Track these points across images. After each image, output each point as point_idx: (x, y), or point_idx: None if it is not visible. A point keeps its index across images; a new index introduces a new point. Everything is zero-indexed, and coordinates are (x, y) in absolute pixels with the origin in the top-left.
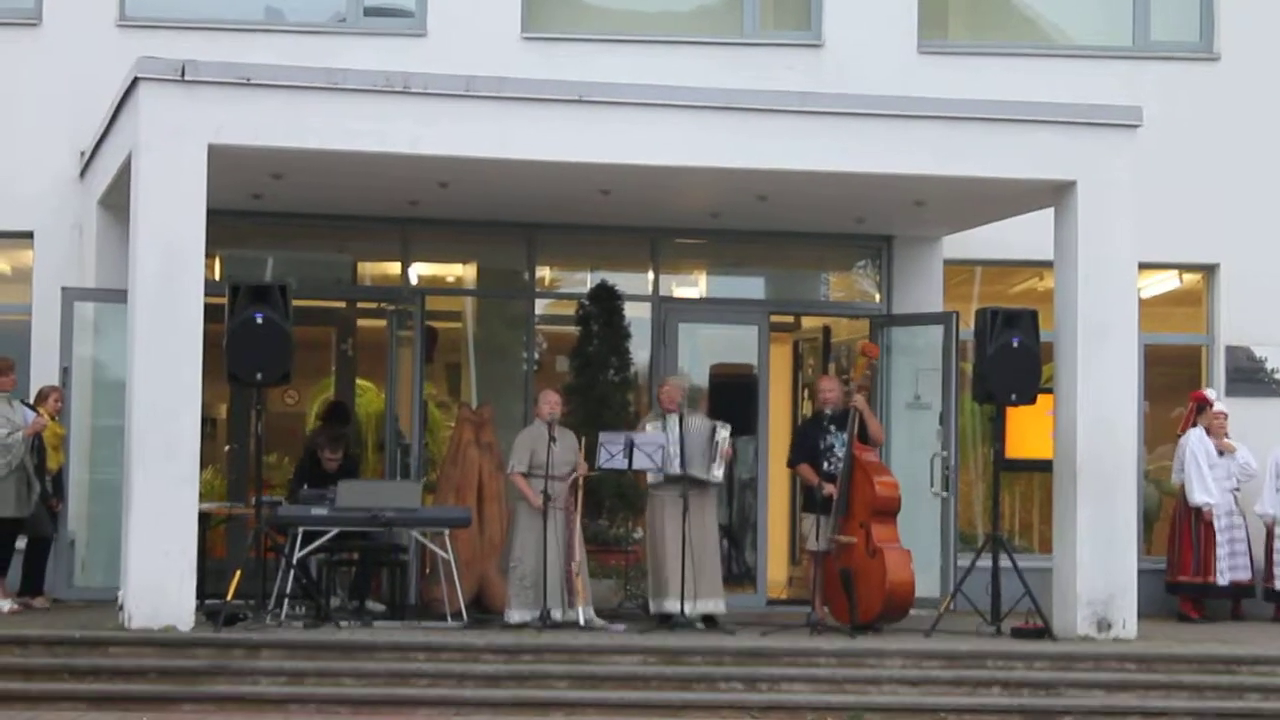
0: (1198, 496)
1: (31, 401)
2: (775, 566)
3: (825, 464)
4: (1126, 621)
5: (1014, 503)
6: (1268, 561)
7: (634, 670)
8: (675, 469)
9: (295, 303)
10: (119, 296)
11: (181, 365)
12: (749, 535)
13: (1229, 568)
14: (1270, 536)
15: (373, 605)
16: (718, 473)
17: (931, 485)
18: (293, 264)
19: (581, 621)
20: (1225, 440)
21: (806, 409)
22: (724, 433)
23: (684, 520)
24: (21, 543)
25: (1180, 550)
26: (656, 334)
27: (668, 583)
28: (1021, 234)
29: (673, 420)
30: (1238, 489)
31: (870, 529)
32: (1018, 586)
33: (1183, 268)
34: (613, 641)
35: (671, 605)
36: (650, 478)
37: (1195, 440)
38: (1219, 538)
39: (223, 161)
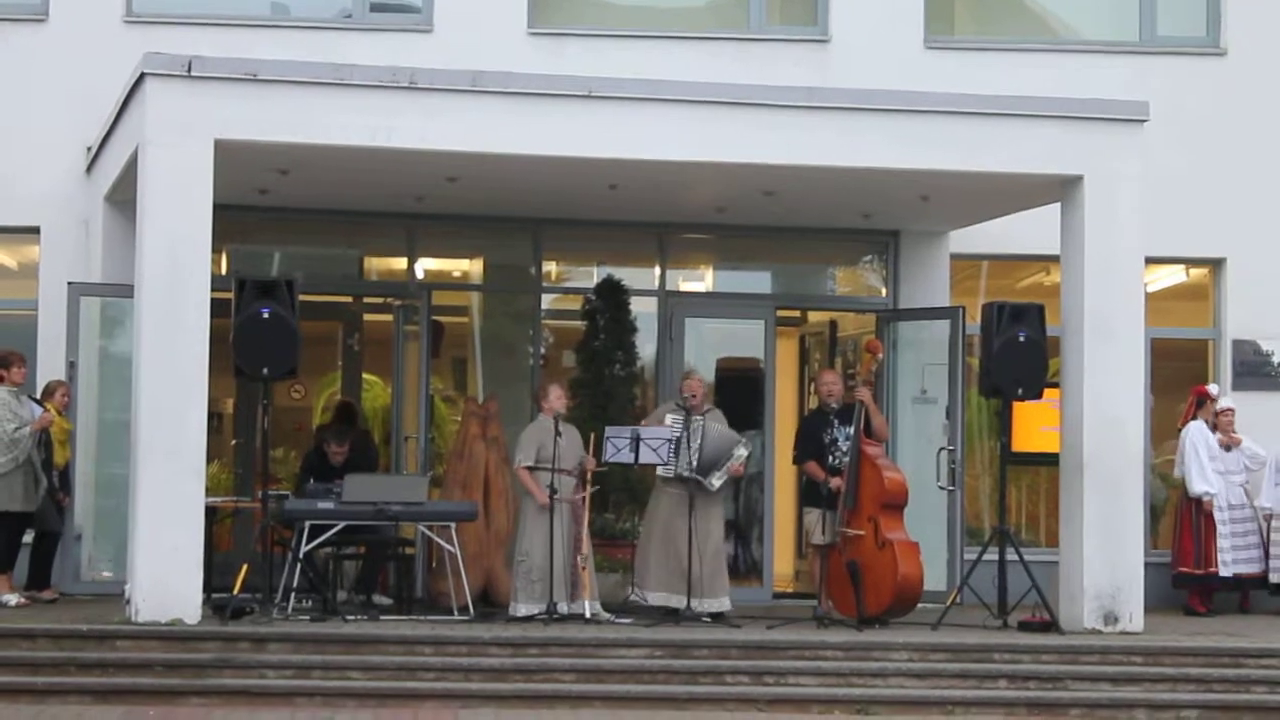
0: (1197, 486)
1: (38, 396)
2: (781, 560)
3: (830, 458)
4: (1133, 615)
5: (1020, 496)
6: (1266, 555)
7: (640, 663)
8: (687, 472)
9: (302, 298)
10: (125, 292)
11: (188, 360)
12: (755, 529)
13: (1234, 560)
14: (1269, 529)
15: (379, 599)
16: (716, 482)
17: (938, 479)
18: (299, 259)
19: (588, 615)
20: (1233, 434)
21: (813, 403)
22: (742, 452)
23: (690, 518)
24: (28, 537)
25: (1181, 541)
26: (663, 328)
27: (656, 575)
28: (1028, 228)
29: (696, 421)
30: (1247, 481)
31: (879, 522)
32: (1024, 580)
33: (1189, 262)
34: (619, 635)
35: (655, 598)
36: (660, 470)
37: (1195, 432)
38: (1221, 529)
39: (229, 157)
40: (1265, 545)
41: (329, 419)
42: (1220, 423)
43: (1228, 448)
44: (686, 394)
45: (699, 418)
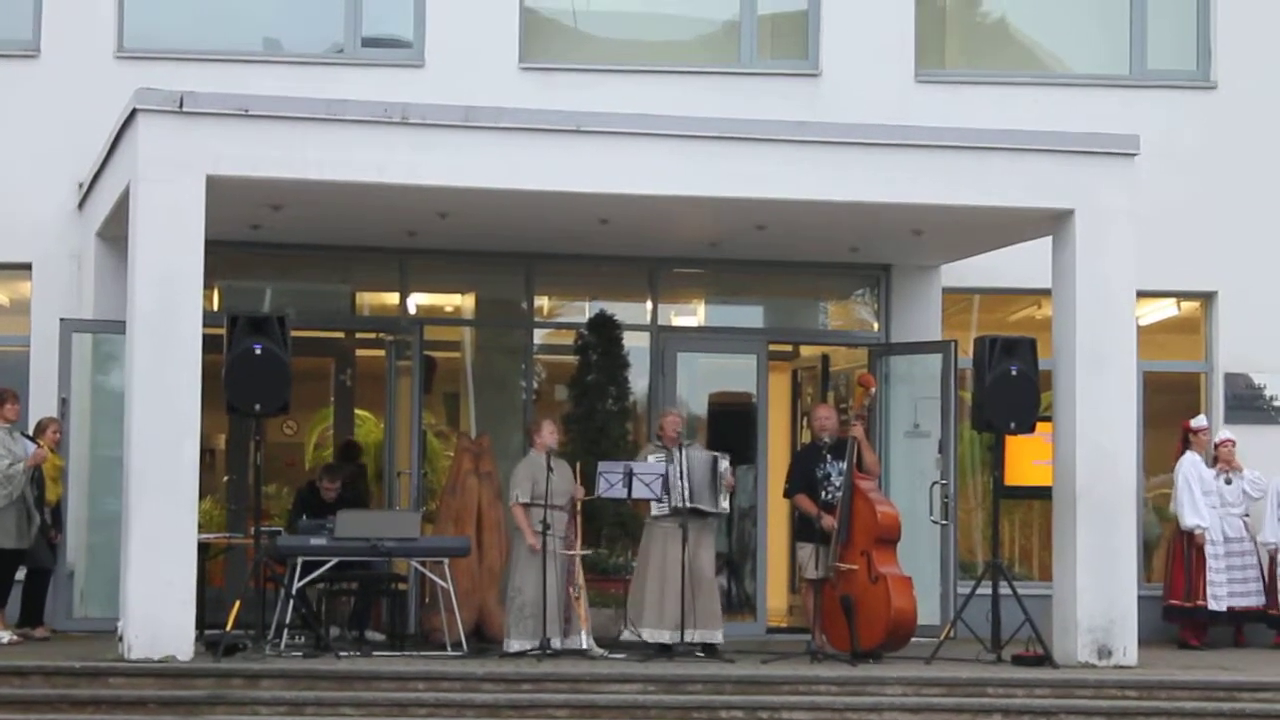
0: (1188, 519)
1: (30, 433)
2: (775, 594)
3: (823, 493)
4: (1127, 649)
5: (1013, 530)
6: (1271, 589)
7: (634, 699)
8: (682, 502)
9: (294, 333)
10: (118, 328)
11: (180, 396)
12: (748, 563)
13: (1229, 594)
14: (1274, 564)
15: (372, 635)
16: (725, 504)
17: (931, 513)
18: (291, 294)
19: (584, 646)
20: (1234, 464)
21: (805, 437)
22: (724, 463)
23: (683, 552)
24: (21, 574)
25: (1172, 574)
26: (655, 363)
27: (650, 611)
28: (1020, 262)
29: (677, 454)
30: (1247, 514)
31: (872, 556)
32: (1018, 614)
33: (1181, 295)
34: (613, 670)
35: (650, 635)
36: (654, 508)
37: (1188, 465)
38: (1215, 563)
39: (221, 192)
40: (1265, 579)
41: (331, 456)
42: (1220, 453)
43: (1229, 480)
44: (669, 431)
45: (677, 450)
